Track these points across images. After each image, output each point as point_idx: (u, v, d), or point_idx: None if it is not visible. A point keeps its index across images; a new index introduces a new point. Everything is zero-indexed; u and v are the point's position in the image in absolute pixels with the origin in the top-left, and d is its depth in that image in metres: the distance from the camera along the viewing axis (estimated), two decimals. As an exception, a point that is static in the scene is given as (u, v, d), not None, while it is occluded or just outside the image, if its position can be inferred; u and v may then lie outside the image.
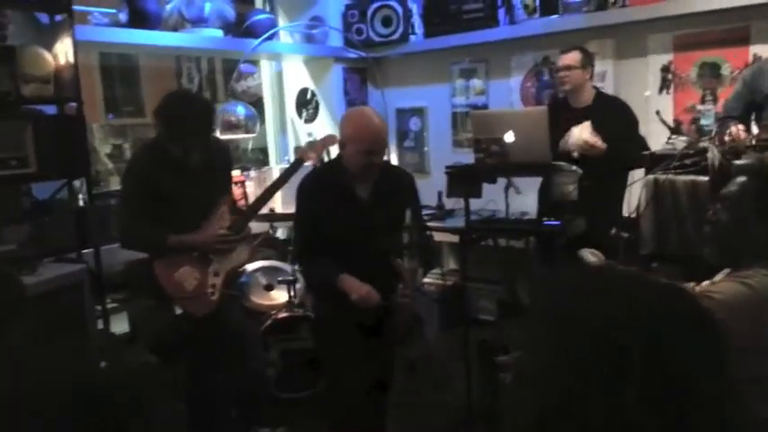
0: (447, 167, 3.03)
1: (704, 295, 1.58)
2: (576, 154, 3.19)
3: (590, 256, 2.04)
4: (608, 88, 4.15)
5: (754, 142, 2.71)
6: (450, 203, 4.21)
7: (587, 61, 3.49)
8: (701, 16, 3.71)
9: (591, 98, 3.45)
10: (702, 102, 3.89)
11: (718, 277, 1.91)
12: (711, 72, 3.83)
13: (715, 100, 3.84)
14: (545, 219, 2.92)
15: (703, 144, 2.70)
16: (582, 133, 3.13)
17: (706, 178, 2.60)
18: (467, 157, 3.97)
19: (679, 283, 1.77)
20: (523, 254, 4.14)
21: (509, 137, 2.87)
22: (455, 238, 4.25)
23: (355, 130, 2.40)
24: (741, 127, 2.84)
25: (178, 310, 3.07)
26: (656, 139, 3.62)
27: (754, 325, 1.54)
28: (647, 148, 3.25)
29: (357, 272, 2.43)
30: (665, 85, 3.99)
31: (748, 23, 3.67)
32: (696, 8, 3.67)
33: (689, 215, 2.64)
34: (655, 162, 2.78)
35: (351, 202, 2.48)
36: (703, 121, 3.99)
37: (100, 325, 3.17)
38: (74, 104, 3.02)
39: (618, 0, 3.91)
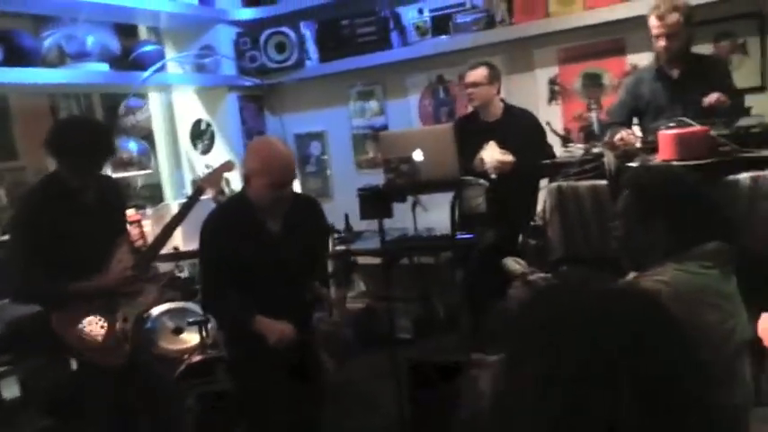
0: (359, 189, 3.02)
1: None
2: (494, 175, 3.27)
3: (513, 264, 2.08)
4: (501, 102, 4.32)
5: (639, 145, 2.89)
6: (358, 225, 4.20)
7: (494, 76, 3.58)
8: (581, 30, 3.94)
9: (500, 112, 3.56)
10: (588, 110, 4.12)
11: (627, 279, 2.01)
12: (594, 82, 4.06)
13: (599, 107, 4.06)
14: (458, 233, 2.95)
15: (598, 150, 2.85)
16: (493, 154, 3.22)
17: (605, 182, 2.74)
18: (370, 178, 3.97)
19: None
20: (435, 270, 4.20)
21: (417, 155, 2.89)
22: (366, 260, 4.24)
23: (262, 163, 2.29)
24: (630, 131, 3.03)
25: (75, 365, 2.86)
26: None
27: None
28: (555, 157, 3.36)
29: (272, 307, 2.33)
30: (553, 97, 4.19)
31: (624, 36, 3.93)
32: (576, 23, 3.89)
33: (593, 219, 2.76)
34: (556, 170, 2.90)
35: (261, 236, 2.36)
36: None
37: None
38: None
39: (504, 18, 4.07)
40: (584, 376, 0.62)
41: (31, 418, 3.46)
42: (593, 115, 4.17)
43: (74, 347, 2.45)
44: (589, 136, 4.17)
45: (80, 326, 2.45)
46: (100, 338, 2.46)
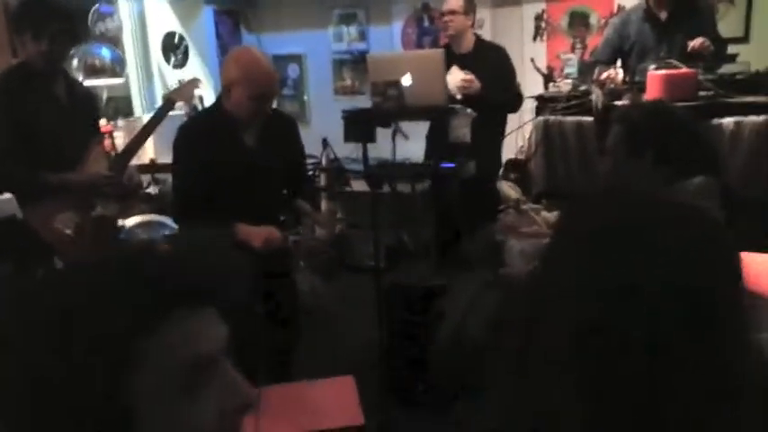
0: (344, 111, 2.96)
1: None
2: (459, 96, 3.25)
3: (509, 189, 2.11)
4: (486, 36, 4.25)
5: (625, 84, 2.92)
6: (334, 152, 4.17)
7: (470, 7, 3.51)
8: (571, -34, 3.89)
9: (471, 45, 3.50)
10: (572, 50, 4.11)
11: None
12: (581, 21, 4.04)
13: (584, 48, 4.06)
14: (441, 162, 2.95)
15: (586, 87, 2.88)
16: (455, 76, 3.18)
17: (591, 119, 2.77)
18: (349, 104, 3.92)
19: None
20: (407, 200, 4.23)
21: (406, 80, 2.84)
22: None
23: (245, 73, 2.16)
24: (617, 70, 3.04)
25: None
26: (532, 85, 3.79)
27: None
28: (521, 96, 3.43)
29: (250, 223, 2.24)
30: (538, 34, 4.16)
31: (613, -26, 3.91)
32: (566, -42, 3.84)
33: (576, 154, 2.81)
34: (543, 104, 2.92)
35: (236, 149, 2.27)
36: (567, 70, 4.23)
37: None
38: None
39: (496, -53, 3.98)
40: (633, 284, 0.63)
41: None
42: (574, 57, 4.17)
43: (46, 242, 2.39)
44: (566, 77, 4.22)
45: (56, 221, 2.39)
46: (71, 233, 2.41)
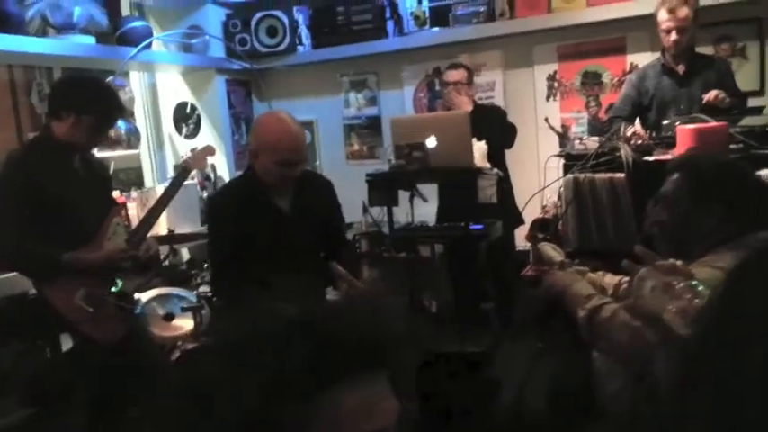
0: (368, 175, 2.92)
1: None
2: None
3: (551, 250, 2.02)
4: (498, 97, 4.30)
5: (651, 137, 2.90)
6: (351, 216, 4.10)
7: (471, 77, 3.74)
8: (581, 28, 3.94)
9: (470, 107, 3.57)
10: (586, 108, 4.12)
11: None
12: (593, 80, 4.07)
13: (598, 106, 4.08)
14: (471, 223, 2.89)
15: (613, 143, 2.84)
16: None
17: (622, 175, 2.73)
18: (360, 169, 3.89)
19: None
20: (428, 262, 4.14)
21: (431, 142, 2.82)
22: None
23: (270, 139, 2.17)
24: (638, 126, 3.02)
25: (66, 346, 2.70)
26: (547, 143, 3.78)
27: None
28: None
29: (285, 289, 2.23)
30: (551, 93, 4.18)
31: (624, 35, 3.95)
32: (577, 20, 3.89)
33: (608, 211, 2.75)
34: (571, 162, 2.87)
35: (269, 215, 2.25)
36: (576, 129, 4.23)
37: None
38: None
39: (505, 12, 4.04)
40: None
41: (9, 406, 3.26)
42: (581, 115, 4.19)
43: (68, 320, 2.29)
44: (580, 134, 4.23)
45: (75, 298, 2.30)
46: (93, 310, 2.32)
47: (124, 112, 2.44)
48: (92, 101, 2.34)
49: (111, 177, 2.78)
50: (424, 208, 3.38)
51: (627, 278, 2.07)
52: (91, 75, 2.48)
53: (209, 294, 3.38)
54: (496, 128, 3.52)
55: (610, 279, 2.07)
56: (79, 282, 2.33)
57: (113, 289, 2.44)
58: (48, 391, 3.32)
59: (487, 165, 3.23)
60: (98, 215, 2.45)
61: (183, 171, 2.85)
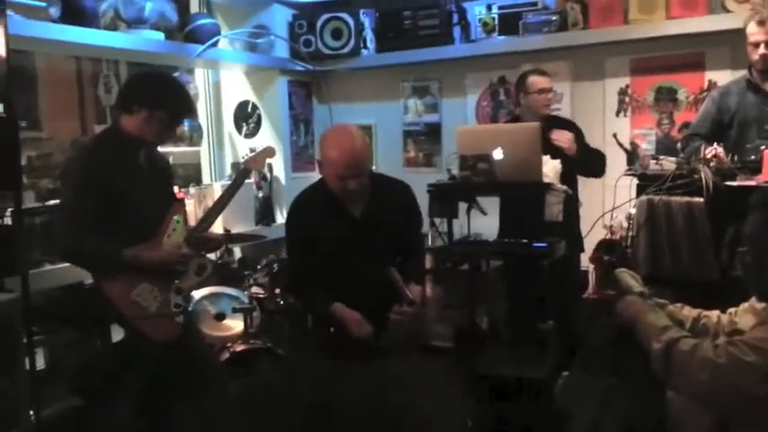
0: (430, 185, 2.83)
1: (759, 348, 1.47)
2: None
3: (629, 279, 1.90)
4: (565, 110, 4.15)
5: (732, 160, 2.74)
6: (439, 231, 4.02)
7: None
8: (657, 41, 3.77)
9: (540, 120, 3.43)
10: (658, 125, 3.94)
11: (743, 306, 1.83)
12: (668, 96, 3.89)
13: (671, 123, 3.89)
14: (534, 241, 2.77)
15: (692, 165, 2.68)
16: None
17: (701, 199, 2.57)
18: (418, 177, 3.80)
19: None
20: (484, 278, 4.02)
21: (498, 154, 2.71)
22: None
23: (330, 153, 2.25)
24: (720, 148, 2.84)
25: (116, 338, 2.70)
26: (613, 160, 3.61)
27: None
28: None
29: (354, 293, 2.25)
30: (621, 108, 4.01)
31: (703, 50, 3.75)
32: (653, 33, 3.72)
33: (684, 237, 2.59)
34: (645, 182, 2.73)
35: (341, 221, 2.30)
36: (645, 146, 4.04)
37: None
38: (2, 105, 2.58)
39: (578, 22, 3.90)
40: None
41: (56, 394, 3.30)
42: (652, 134, 4.01)
43: (125, 316, 2.27)
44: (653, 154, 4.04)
45: (133, 293, 2.28)
46: (154, 308, 2.30)
47: (195, 110, 2.44)
48: (165, 97, 2.34)
49: (172, 173, 2.78)
50: (479, 221, 3.28)
51: (707, 312, 1.93)
52: (163, 71, 2.48)
53: (261, 295, 3.36)
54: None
55: (688, 312, 1.93)
56: (138, 278, 2.32)
57: (173, 286, 2.42)
58: (96, 381, 3.35)
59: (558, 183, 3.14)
60: (160, 211, 2.44)
61: (243, 171, 2.83)
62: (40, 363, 3.32)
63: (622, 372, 1.80)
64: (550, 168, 3.12)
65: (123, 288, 2.31)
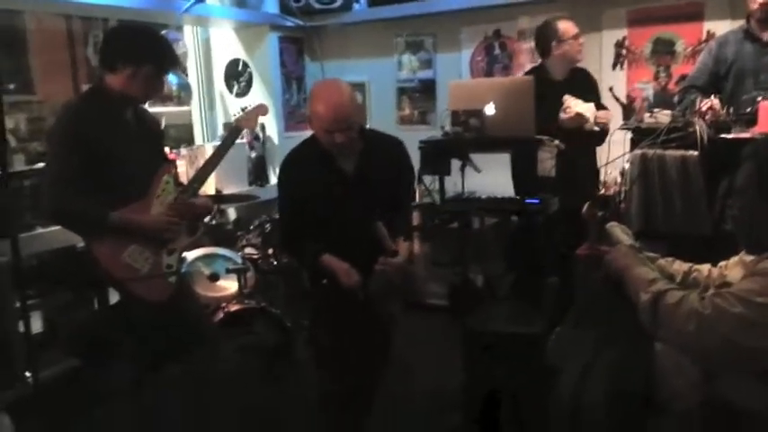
0: (421, 142, 2.80)
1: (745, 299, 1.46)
2: (596, 128, 3.15)
3: (621, 233, 1.88)
4: (561, 63, 4.07)
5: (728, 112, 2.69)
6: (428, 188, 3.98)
7: None
8: (657, -9, 3.68)
9: (567, 70, 3.33)
10: (655, 78, 3.88)
11: (733, 259, 1.82)
12: (665, 48, 3.81)
13: (668, 76, 3.83)
14: (526, 197, 2.75)
15: (687, 118, 2.64)
16: (587, 107, 3.06)
17: (695, 152, 2.53)
18: (413, 135, 3.75)
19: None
20: (476, 235, 4.00)
21: (489, 109, 2.67)
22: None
23: (317, 107, 2.22)
24: (716, 100, 2.80)
25: (113, 300, 2.71)
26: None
27: None
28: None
29: (345, 247, 2.26)
30: (618, 61, 3.94)
31: (702, 0, 3.66)
32: (653, -18, 3.63)
33: (677, 190, 2.56)
34: (639, 136, 2.69)
35: (333, 177, 2.30)
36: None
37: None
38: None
39: (574, -28, 3.80)
40: None
41: (53, 357, 3.33)
42: (650, 87, 3.94)
43: (116, 277, 2.26)
44: (650, 107, 3.98)
45: (124, 255, 2.27)
46: (146, 269, 2.29)
47: (179, 61, 2.39)
48: (149, 51, 2.27)
49: (163, 133, 2.72)
50: (474, 179, 3.25)
51: (698, 266, 1.92)
52: (141, 24, 2.39)
53: (255, 256, 3.35)
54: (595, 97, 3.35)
55: (679, 266, 1.92)
56: (128, 240, 2.30)
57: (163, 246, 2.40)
58: (92, 343, 3.37)
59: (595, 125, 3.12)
60: (149, 170, 2.40)
61: (234, 130, 2.78)
62: (37, 326, 3.35)
63: (611, 325, 1.80)
64: (586, 109, 3.09)
65: (113, 250, 2.29)
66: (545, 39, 3.31)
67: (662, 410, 1.68)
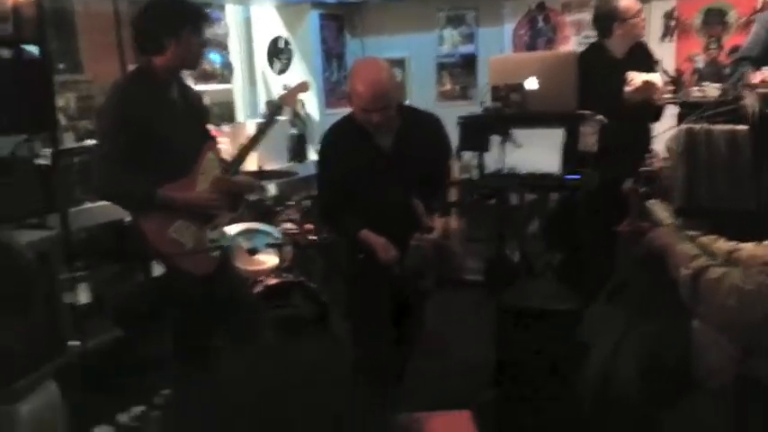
0: (460, 118, 2.78)
1: None
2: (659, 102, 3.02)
3: (662, 211, 1.84)
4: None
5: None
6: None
7: None
8: (708, -42, 3.53)
9: (627, 48, 3.21)
10: (706, 50, 3.74)
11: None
12: (717, 19, 3.66)
13: (720, 48, 3.68)
14: (566, 173, 2.71)
15: (738, 92, 2.54)
16: (652, 77, 2.95)
17: (745, 127, 2.44)
18: (452, 110, 3.73)
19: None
20: (512, 212, 3.95)
21: (531, 83, 2.63)
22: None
23: (356, 86, 2.24)
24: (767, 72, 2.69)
25: (156, 272, 2.78)
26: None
27: None
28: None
29: (383, 222, 2.28)
30: (667, 33, 3.81)
31: (758, -33, 3.50)
32: (704, -51, 3.48)
33: (726, 166, 2.48)
34: (686, 111, 2.60)
35: (370, 152, 2.32)
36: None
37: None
38: (36, 47, 2.60)
39: (621, -59, 3.66)
40: None
41: (101, 326, 3.45)
42: (700, 58, 3.80)
43: (162, 252, 2.32)
44: (699, 80, 3.84)
45: (170, 230, 2.32)
46: (191, 244, 2.34)
47: (204, 12, 2.39)
48: (179, 16, 2.27)
49: (207, 110, 2.75)
50: (515, 155, 3.20)
51: (741, 245, 1.86)
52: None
53: (293, 231, 3.39)
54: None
55: (722, 244, 1.86)
56: (174, 215, 2.36)
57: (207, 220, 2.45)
58: (137, 314, 3.48)
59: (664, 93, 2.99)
60: (194, 148, 2.43)
61: (275, 107, 2.80)
62: (84, 297, 3.47)
63: (647, 303, 1.77)
64: (657, 78, 2.99)
65: (160, 225, 2.34)
66: (606, 19, 3.14)
67: (697, 387, 1.65)
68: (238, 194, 2.55)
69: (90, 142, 3.28)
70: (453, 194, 3.40)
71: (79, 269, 3.33)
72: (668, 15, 3.78)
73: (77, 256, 3.25)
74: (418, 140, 2.31)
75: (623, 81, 2.98)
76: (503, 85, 2.64)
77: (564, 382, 1.96)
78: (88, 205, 3.18)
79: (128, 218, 3.39)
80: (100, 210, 3.18)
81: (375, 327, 2.35)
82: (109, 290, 3.48)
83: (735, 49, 3.56)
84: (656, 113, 3.07)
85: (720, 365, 1.60)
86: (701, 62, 3.81)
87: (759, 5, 3.53)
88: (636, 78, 2.92)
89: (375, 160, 2.29)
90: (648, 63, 3.22)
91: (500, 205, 3.13)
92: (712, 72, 3.67)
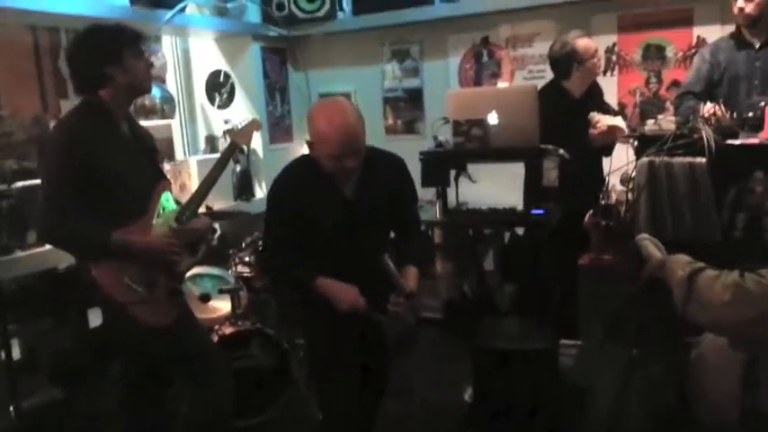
0: (421, 154, 2.72)
1: None
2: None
3: (653, 247, 1.82)
4: (549, 71, 4.01)
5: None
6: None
7: None
8: (645, -4, 3.67)
9: (585, 88, 3.26)
10: (646, 84, 3.86)
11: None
12: (656, 54, 3.79)
13: (659, 82, 3.81)
14: (532, 208, 2.68)
15: (692, 124, 2.60)
16: (612, 121, 3.03)
17: (702, 159, 2.49)
18: (401, 144, 3.69)
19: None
20: (471, 247, 3.92)
21: (492, 118, 2.60)
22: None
23: (322, 131, 2.03)
24: (716, 106, 2.78)
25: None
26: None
27: None
28: None
29: (346, 277, 2.10)
30: (609, 67, 3.91)
31: (692, 5, 3.66)
32: (640, -12, 3.61)
33: (686, 198, 2.51)
34: (644, 144, 2.64)
35: (330, 200, 2.13)
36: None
37: None
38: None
39: (563, -22, 3.76)
40: None
41: (35, 385, 3.16)
42: (637, 92, 3.91)
43: (119, 302, 2.11)
44: (645, 113, 3.93)
45: (126, 277, 2.13)
46: (149, 293, 2.15)
47: (137, 31, 2.26)
48: (117, 41, 2.15)
49: (157, 147, 2.58)
50: (470, 190, 3.16)
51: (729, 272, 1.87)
52: (85, 29, 2.20)
53: (247, 275, 3.22)
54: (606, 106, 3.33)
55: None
56: (129, 261, 2.16)
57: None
58: (75, 370, 3.21)
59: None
60: (148, 187, 2.26)
61: (231, 146, 2.65)
62: (16, 353, 3.17)
63: (642, 341, 1.73)
64: (620, 122, 3.08)
65: (113, 272, 2.14)
66: (565, 62, 3.18)
67: (696, 424, 1.63)
68: (198, 239, 2.38)
69: (20, 184, 3.02)
70: (437, 237, 3.34)
71: (10, 323, 3.05)
72: (609, 50, 3.89)
73: (8, 308, 2.98)
74: (383, 186, 2.17)
75: (585, 122, 3.03)
76: (464, 120, 2.60)
77: (560, 425, 1.89)
78: (18, 254, 2.92)
79: (62, 265, 3.15)
80: (31, 258, 2.93)
81: (346, 390, 2.15)
82: (42, 345, 3.20)
83: (674, 83, 3.69)
84: (610, 148, 3.12)
85: (720, 402, 1.58)
86: (641, 96, 3.92)
87: (694, 42, 3.70)
88: (602, 121, 2.98)
89: (340, 210, 2.11)
90: (601, 101, 3.31)
91: (459, 241, 3.08)
92: (654, 105, 3.78)
